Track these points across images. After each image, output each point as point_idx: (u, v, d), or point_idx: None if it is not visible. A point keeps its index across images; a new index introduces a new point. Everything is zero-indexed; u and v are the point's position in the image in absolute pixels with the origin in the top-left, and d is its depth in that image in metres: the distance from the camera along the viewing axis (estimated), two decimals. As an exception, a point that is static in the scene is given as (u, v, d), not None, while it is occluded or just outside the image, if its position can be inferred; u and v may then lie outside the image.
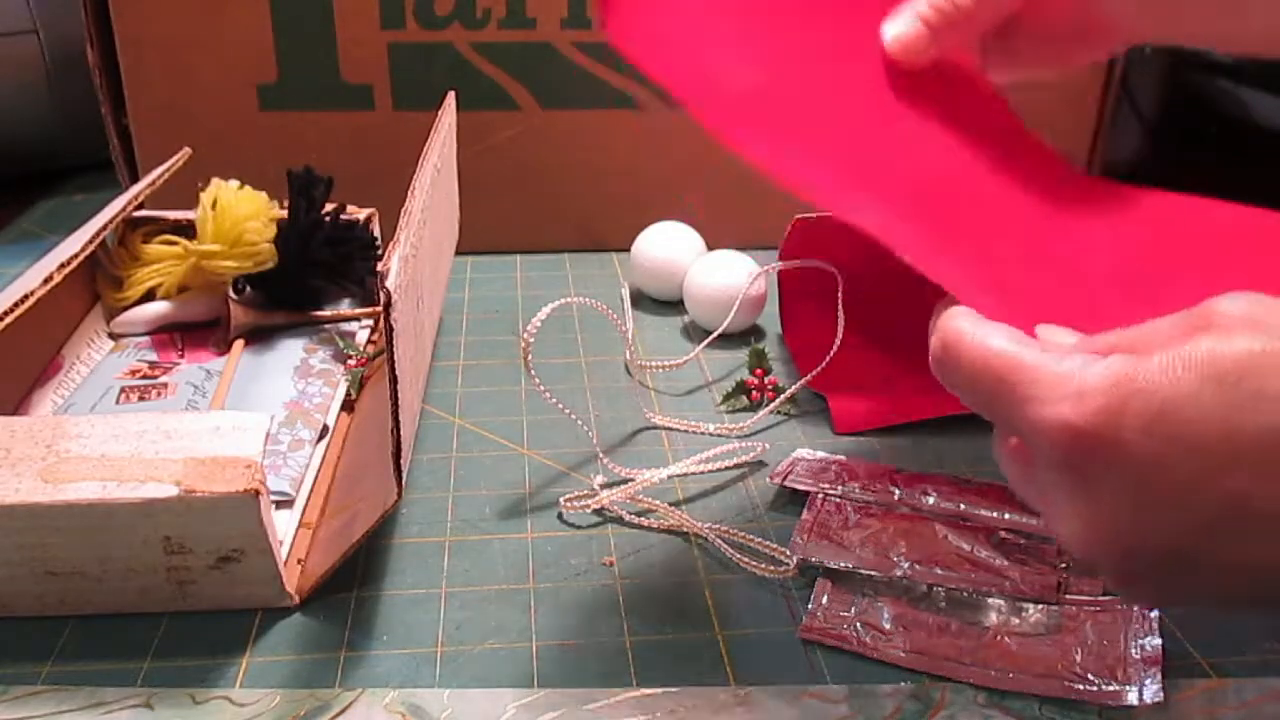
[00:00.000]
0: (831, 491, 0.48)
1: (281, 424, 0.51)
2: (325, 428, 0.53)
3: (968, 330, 0.30)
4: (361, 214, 0.66)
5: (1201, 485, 0.25)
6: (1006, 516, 0.46)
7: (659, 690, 0.38)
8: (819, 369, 0.56)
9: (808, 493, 0.48)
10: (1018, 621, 0.41)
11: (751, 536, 0.46)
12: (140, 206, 0.63)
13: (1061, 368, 0.27)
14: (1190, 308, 0.27)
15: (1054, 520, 0.29)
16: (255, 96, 0.72)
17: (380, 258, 0.58)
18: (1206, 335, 0.26)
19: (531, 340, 0.48)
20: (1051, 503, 0.29)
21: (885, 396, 0.57)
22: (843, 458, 0.51)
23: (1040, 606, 0.41)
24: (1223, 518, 0.25)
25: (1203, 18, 0.42)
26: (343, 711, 0.37)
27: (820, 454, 0.52)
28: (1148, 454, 0.25)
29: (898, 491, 0.48)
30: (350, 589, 0.43)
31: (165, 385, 0.55)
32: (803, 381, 0.57)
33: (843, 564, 0.43)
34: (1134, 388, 0.25)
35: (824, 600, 0.42)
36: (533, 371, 0.48)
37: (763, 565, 0.44)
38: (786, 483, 0.49)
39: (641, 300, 0.71)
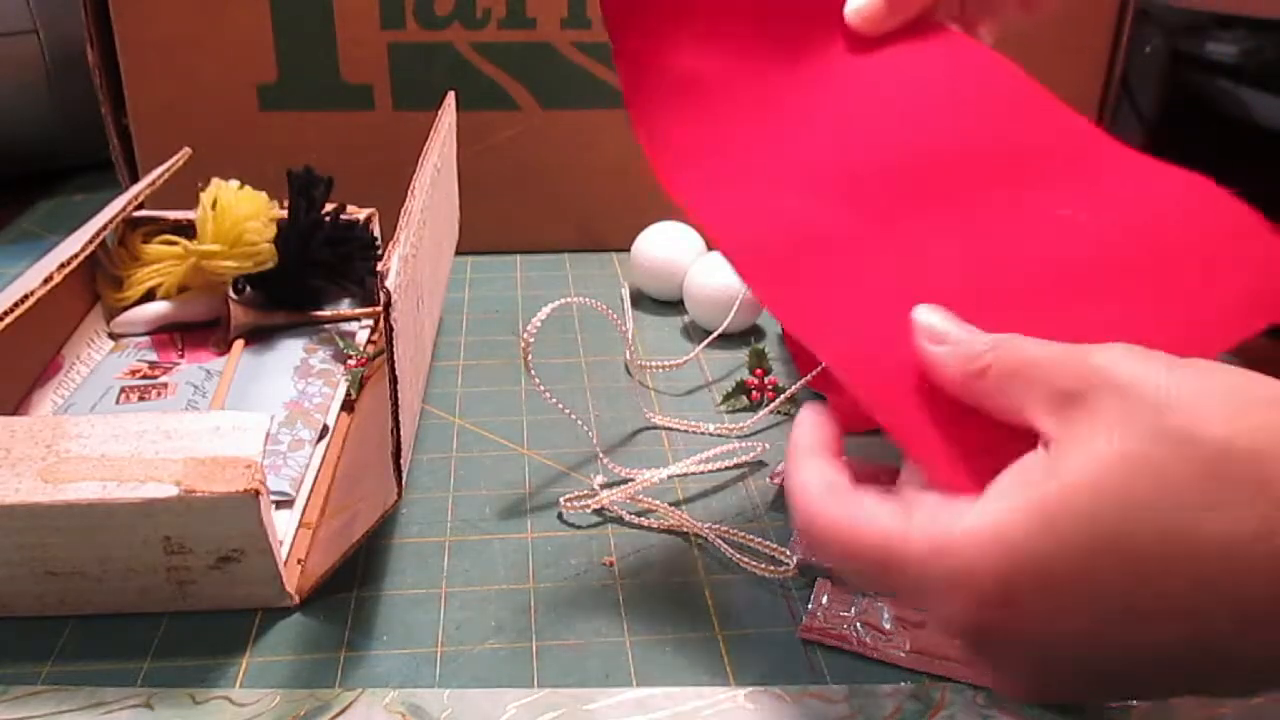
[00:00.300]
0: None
1: (281, 424, 0.51)
2: (325, 428, 0.53)
3: (827, 501, 0.30)
4: (361, 214, 0.66)
5: (1100, 631, 0.26)
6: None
7: (659, 690, 0.38)
8: (819, 369, 0.56)
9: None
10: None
11: (751, 536, 0.46)
12: (140, 206, 0.63)
13: (932, 538, 0.27)
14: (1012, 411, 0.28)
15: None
16: (255, 96, 0.72)
17: (380, 258, 0.58)
18: (1052, 462, 0.26)
19: (531, 340, 0.48)
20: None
21: None
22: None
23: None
24: (1126, 633, 0.26)
25: None
26: (343, 711, 0.37)
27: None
28: (1041, 624, 0.26)
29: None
30: (350, 589, 0.43)
31: (165, 385, 0.55)
32: (803, 381, 0.56)
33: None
34: (1006, 562, 0.26)
35: (824, 600, 0.42)
36: (533, 371, 0.48)
37: (763, 565, 0.44)
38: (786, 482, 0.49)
39: (641, 300, 0.71)
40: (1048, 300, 0.34)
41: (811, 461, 0.32)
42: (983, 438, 0.30)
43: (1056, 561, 0.25)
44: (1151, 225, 0.35)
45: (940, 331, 0.31)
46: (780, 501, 0.49)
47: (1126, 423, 0.25)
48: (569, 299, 0.51)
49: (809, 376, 0.56)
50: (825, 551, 0.30)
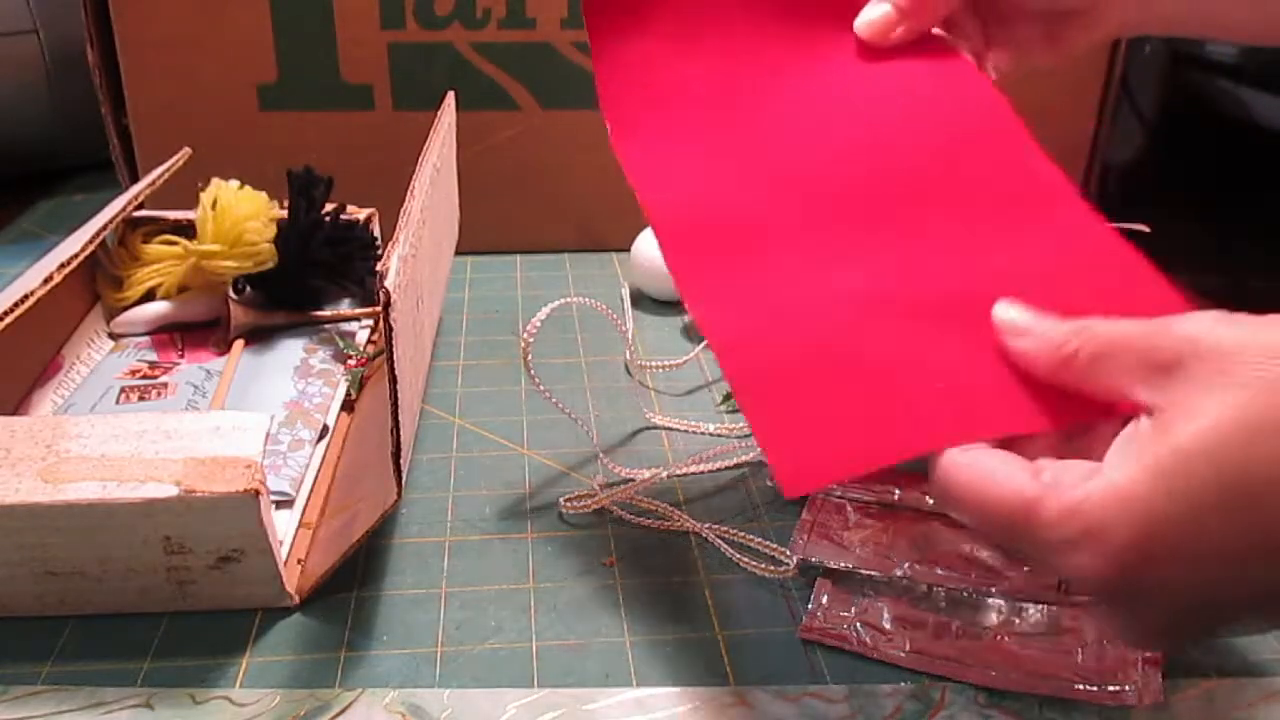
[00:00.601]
0: (832, 491, 0.48)
1: (281, 424, 0.51)
2: (325, 428, 0.53)
3: (962, 464, 0.30)
4: (361, 214, 0.67)
5: (1232, 576, 0.27)
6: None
7: (659, 690, 0.38)
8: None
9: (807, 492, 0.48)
10: (1018, 621, 0.41)
11: (751, 536, 0.46)
12: (140, 206, 0.63)
13: (1063, 500, 0.28)
14: (1143, 330, 0.29)
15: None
16: (255, 96, 0.72)
17: (380, 258, 0.59)
18: (1163, 427, 0.27)
19: (531, 340, 0.48)
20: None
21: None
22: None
23: (1040, 606, 0.41)
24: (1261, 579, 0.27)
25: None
26: (343, 711, 0.37)
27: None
28: (1177, 577, 0.27)
29: (898, 491, 0.47)
30: (350, 589, 0.43)
31: (165, 385, 0.55)
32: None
33: (843, 564, 0.43)
34: (1138, 522, 0.26)
35: (824, 600, 0.42)
36: (533, 371, 0.48)
37: (763, 565, 0.44)
38: None
39: (641, 300, 0.71)
40: (941, 323, 0.34)
41: None
42: (820, 424, 0.32)
43: (1185, 517, 0.26)
44: (1059, 283, 0.35)
45: (1022, 326, 0.32)
46: (780, 501, 0.49)
47: (1232, 379, 0.26)
48: (569, 299, 0.51)
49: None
50: (960, 509, 0.30)
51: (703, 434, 0.55)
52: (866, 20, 0.42)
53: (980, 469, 0.29)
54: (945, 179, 0.39)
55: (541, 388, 0.49)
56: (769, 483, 0.50)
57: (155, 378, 0.56)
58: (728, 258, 0.38)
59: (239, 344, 0.59)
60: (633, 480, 0.49)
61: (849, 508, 0.47)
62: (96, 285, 0.64)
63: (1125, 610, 0.29)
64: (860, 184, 0.39)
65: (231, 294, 0.60)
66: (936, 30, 0.43)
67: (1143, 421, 0.28)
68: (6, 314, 0.46)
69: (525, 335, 0.48)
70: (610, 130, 0.44)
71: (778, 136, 0.42)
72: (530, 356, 0.48)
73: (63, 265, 0.50)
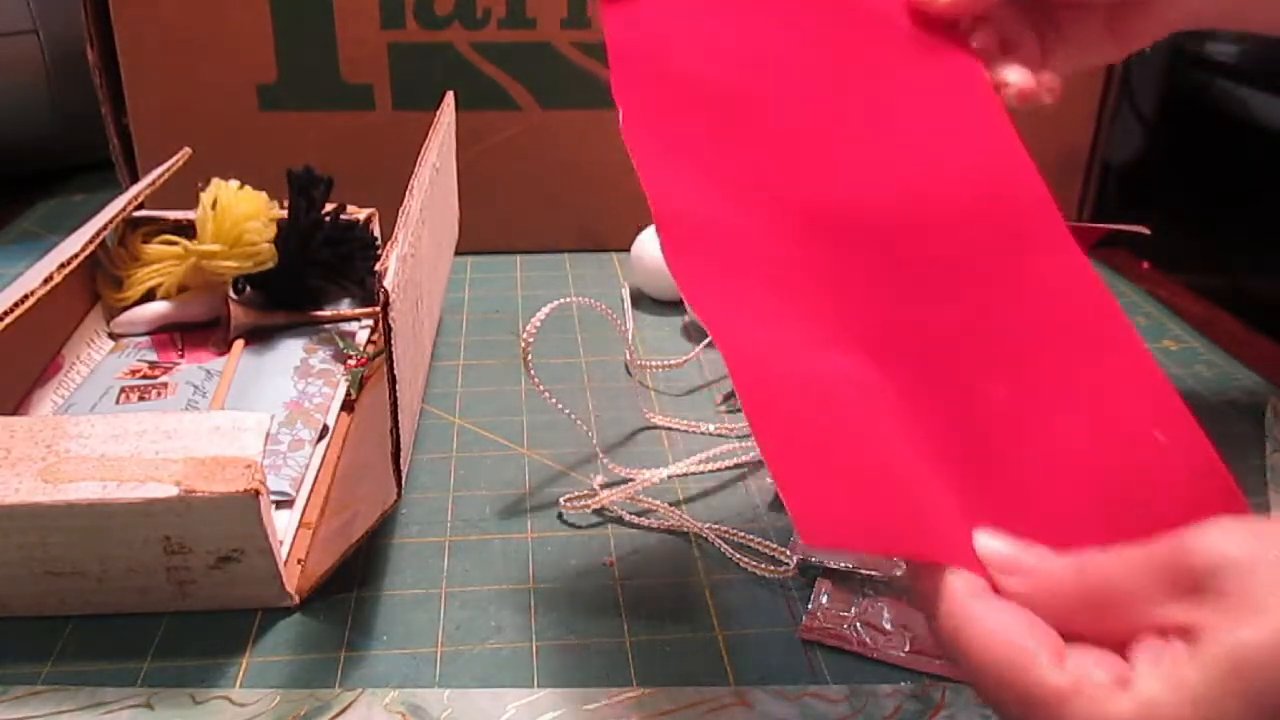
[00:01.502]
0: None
1: (281, 424, 0.51)
2: (325, 428, 0.53)
3: (979, 618, 0.28)
4: (361, 214, 0.67)
5: None
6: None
7: (659, 690, 0.38)
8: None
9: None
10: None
11: (751, 536, 0.46)
12: (140, 206, 0.63)
13: (1093, 712, 0.26)
14: (1162, 554, 0.27)
15: None
16: (255, 96, 0.72)
17: (380, 258, 0.59)
18: (1207, 634, 0.25)
19: (531, 340, 0.48)
20: None
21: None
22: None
23: (1040, 606, 0.41)
24: None
25: None
26: (343, 711, 0.37)
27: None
28: None
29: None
30: (350, 589, 0.43)
31: (165, 385, 0.55)
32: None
33: (843, 564, 0.43)
34: None
35: (824, 600, 0.42)
36: (533, 371, 0.48)
37: (763, 565, 0.44)
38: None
39: (641, 300, 0.71)
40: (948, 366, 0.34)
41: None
42: (838, 465, 0.31)
43: None
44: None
45: (1010, 563, 0.29)
46: (779, 501, 0.49)
47: (1265, 602, 0.25)
48: (569, 299, 0.51)
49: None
50: (969, 665, 0.28)
51: (703, 434, 0.55)
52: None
53: (992, 633, 0.27)
54: (955, 229, 0.38)
55: (541, 388, 0.49)
56: (769, 481, 0.50)
57: (155, 378, 0.56)
58: (732, 270, 0.37)
59: (239, 344, 0.60)
60: (633, 480, 0.49)
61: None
62: (96, 285, 0.64)
63: None
64: (868, 205, 0.38)
65: (231, 294, 0.60)
66: (974, 36, 0.41)
67: (1177, 645, 0.26)
68: (6, 314, 0.46)
69: (525, 335, 0.48)
70: (622, 119, 0.43)
71: (788, 142, 0.41)
72: (530, 356, 0.48)
73: (63, 265, 0.50)
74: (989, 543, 0.30)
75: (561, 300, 0.50)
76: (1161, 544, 0.27)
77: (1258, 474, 0.51)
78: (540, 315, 0.48)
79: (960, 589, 0.28)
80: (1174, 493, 0.31)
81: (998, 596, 0.28)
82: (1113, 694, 0.26)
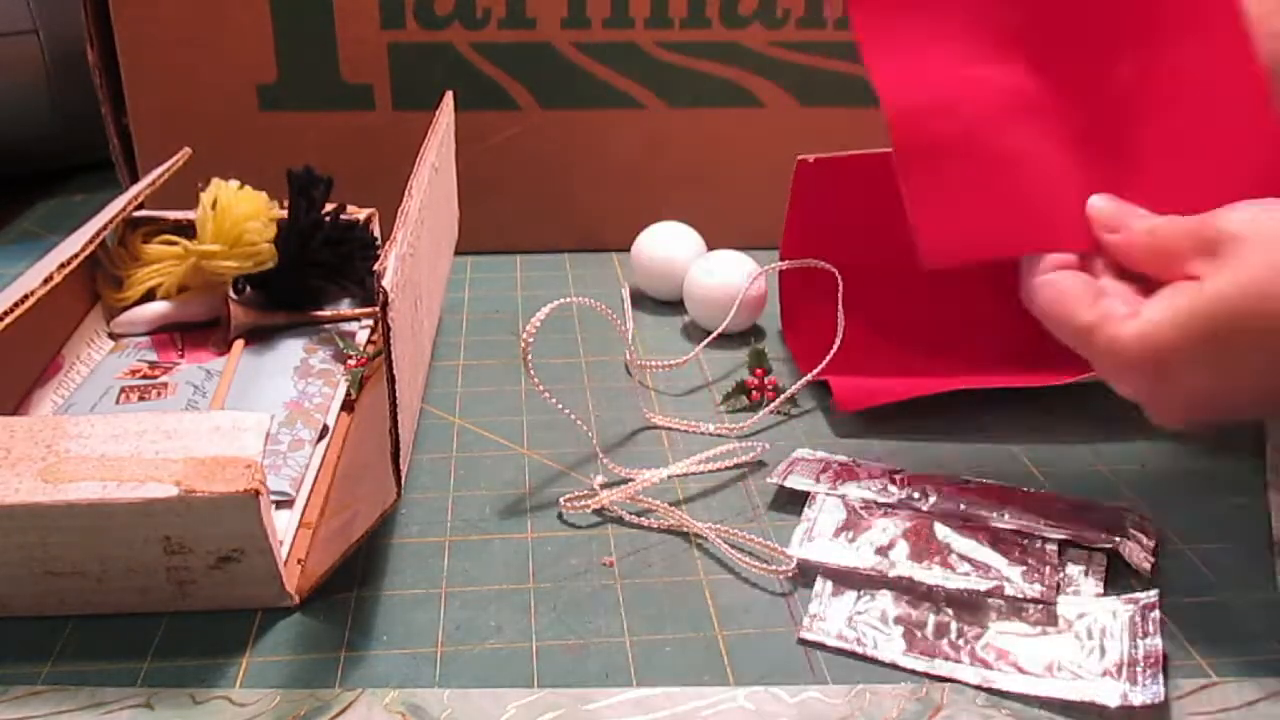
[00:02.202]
0: (832, 492, 0.48)
1: (281, 424, 0.51)
2: (325, 428, 0.53)
3: (1045, 283, 0.40)
4: (361, 214, 0.67)
5: (1247, 384, 0.37)
6: (1006, 517, 0.46)
7: (659, 690, 0.38)
8: (819, 369, 0.56)
9: (808, 493, 0.48)
10: (1018, 621, 0.41)
11: (751, 536, 0.46)
12: (140, 206, 0.63)
13: (1108, 334, 0.38)
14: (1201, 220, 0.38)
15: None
16: (255, 96, 0.72)
17: (380, 258, 0.59)
18: (1206, 280, 0.36)
19: (531, 341, 0.48)
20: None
21: (888, 379, 0.57)
22: (843, 458, 0.51)
23: (1040, 606, 0.41)
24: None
25: None
26: (343, 711, 0.37)
27: (820, 454, 0.52)
28: (1191, 387, 0.38)
29: (898, 491, 0.48)
30: (350, 589, 0.43)
31: (165, 385, 0.55)
32: (803, 382, 0.56)
33: (843, 564, 0.43)
34: (1162, 356, 0.37)
35: (824, 600, 0.42)
36: (532, 371, 0.48)
37: (763, 565, 0.44)
38: (786, 483, 0.49)
39: (641, 300, 0.71)
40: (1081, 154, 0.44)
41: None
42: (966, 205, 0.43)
43: (1193, 353, 0.36)
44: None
45: (1110, 221, 0.41)
46: (780, 501, 0.49)
47: (1247, 258, 0.36)
48: (569, 299, 0.51)
49: (809, 377, 0.56)
50: (1041, 315, 0.41)
51: (703, 434, 0.55)
52: None
53: (1057, 290, 0.40)
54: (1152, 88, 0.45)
55: (541, 388, 0.49)
56: (769, 479, 0.50)
57: (155, 378, 0.56)
58: (923, 52, 0.45)
59: (239, 344, 0.60)
60: (632, 480, 0.49)
61: (849, 507, 0.47)
62: (96, 285, 0.64)
63: (1154, 408, 0.39)
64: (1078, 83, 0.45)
65: (231, 294, 0.60)
66: None
67: (1187, 283, 0.37)
68: (6, 314, 0.46)
69: (525, 335, 0.48)
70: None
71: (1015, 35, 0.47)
72: (530, 356, 0.48)
73: (63, 265, 0.50)
74: (1099, 203, 0.42)
75: (561, 300, 0.50)
76: (1206, 216, 0.38)
77: (1258, 474, 0.51)
78: (539, 315, 0.48)
79: (1045, 264, 0.41)
80: (1252, 171, 0.41)
81: (1069, 269, 0.40)
82: (1125, 320, 0.38)
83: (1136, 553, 0.44)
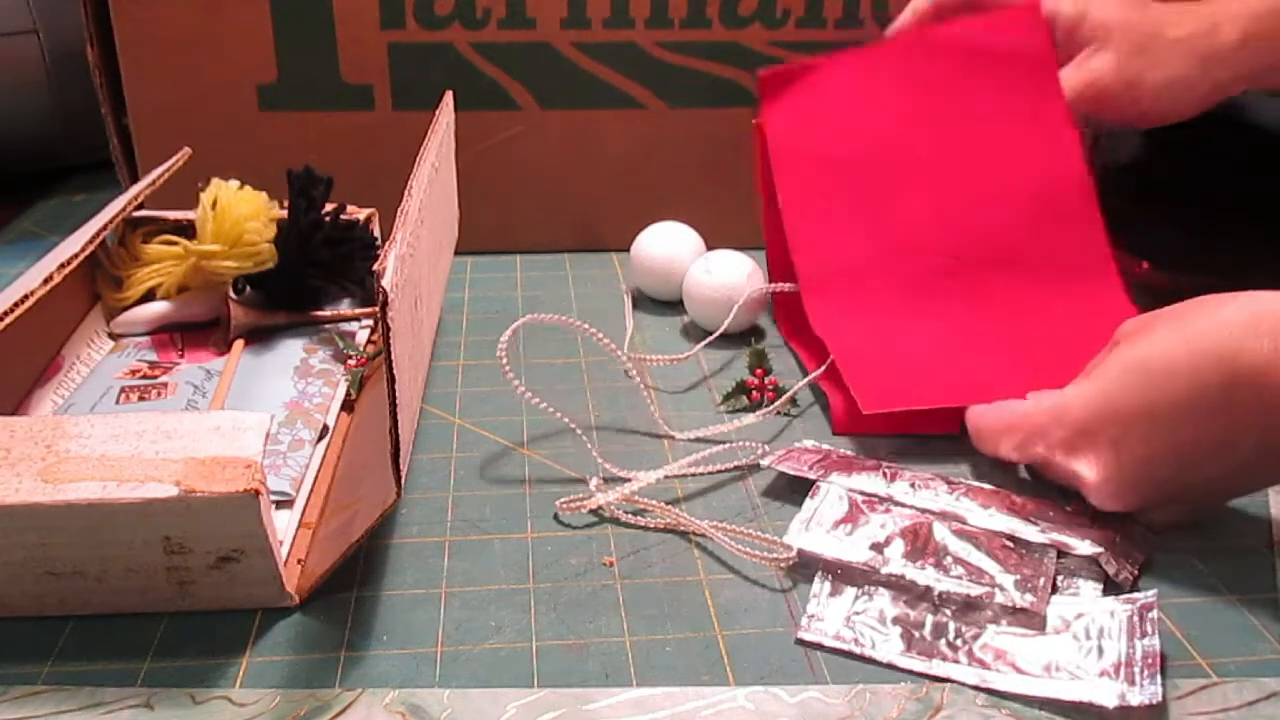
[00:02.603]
0: (832, 487, 0.48)
1: (281, 424, 0.51)
2: (325, 428, 0.53)
3: (987, 409, 0.50)
4: (361, 214, 0.67)
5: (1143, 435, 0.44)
6: (1006, 517, 0.46)
7: (659, 690, 0.38)
8: (820, 370, 0.56)
9: (807, 485, 0.48)
10: (1016, 622, 0.41)
11: (751, 533, 0.46)
12: (140, 206, 0.63)
13: (1051, 399, 0.47)
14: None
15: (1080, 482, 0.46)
16: (255, 96, 0.72)
17: (379, 257, 0.59)
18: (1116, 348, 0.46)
19: (505, 359, 0.49)
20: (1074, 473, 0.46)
21: (889, 388, 0.57)
22: (842, 450, 0.51)
23: (1039, 607, 0.41)
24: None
25: None
26: (343, 711, 0.37)
27: (824, 445, 0.52)
28: (1121, 446, 0.44)
29: (897, 490, 0.48)
30: (350, 589, 0.43)
31: (165, 385, 0.55)
32: (803, 382, 0.57)
33: (843, 563, 0.43)
34: (1094, 409, 0.45)
35: (823, 600, 0.42)
36: (510, 375, 0.49)
37: (762, 555, 0.44)
38: (783, 467, 0.49)
39: (641, 300, 0.71)
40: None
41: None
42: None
43: (1108, 397, 0.44)
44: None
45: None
46: (780, 501, 0.49)
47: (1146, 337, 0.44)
48: (540, 316, 0.53)
49: (810, 377, 0.57)
50: (989, 435, 0.49)
51: (702, 434, 0.55)
52: None
53: (998, 406, 0.49)
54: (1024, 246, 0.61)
55: (527, 393, 0.50)
56: (764, 463, 0.50)
57: (155, 378, 0.56)
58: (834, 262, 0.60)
59: (239, 344, 0.60)
60: (632, 480, 0.49)
61: (849, 505, 0.47)
62: (96, 285, 0.64)
63: (1094, 482, 0.45)
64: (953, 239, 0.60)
65: (231, 294, 0.60)
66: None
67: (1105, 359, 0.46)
68: (6, 314, 0.46)
69: (500, 348, 0.49)
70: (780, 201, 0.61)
71: (899, 187, 0.61)
72: (507, 366, 0.49)
73: (63, 265, 0.50)
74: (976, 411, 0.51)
75: (533, 315, 0.53)
76: (1060, 410, 0.46)
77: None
78: (511, 328, 0.51)
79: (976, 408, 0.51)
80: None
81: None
82: (1063, 392, 0.46)
83: (1123, 570, 0.43)
